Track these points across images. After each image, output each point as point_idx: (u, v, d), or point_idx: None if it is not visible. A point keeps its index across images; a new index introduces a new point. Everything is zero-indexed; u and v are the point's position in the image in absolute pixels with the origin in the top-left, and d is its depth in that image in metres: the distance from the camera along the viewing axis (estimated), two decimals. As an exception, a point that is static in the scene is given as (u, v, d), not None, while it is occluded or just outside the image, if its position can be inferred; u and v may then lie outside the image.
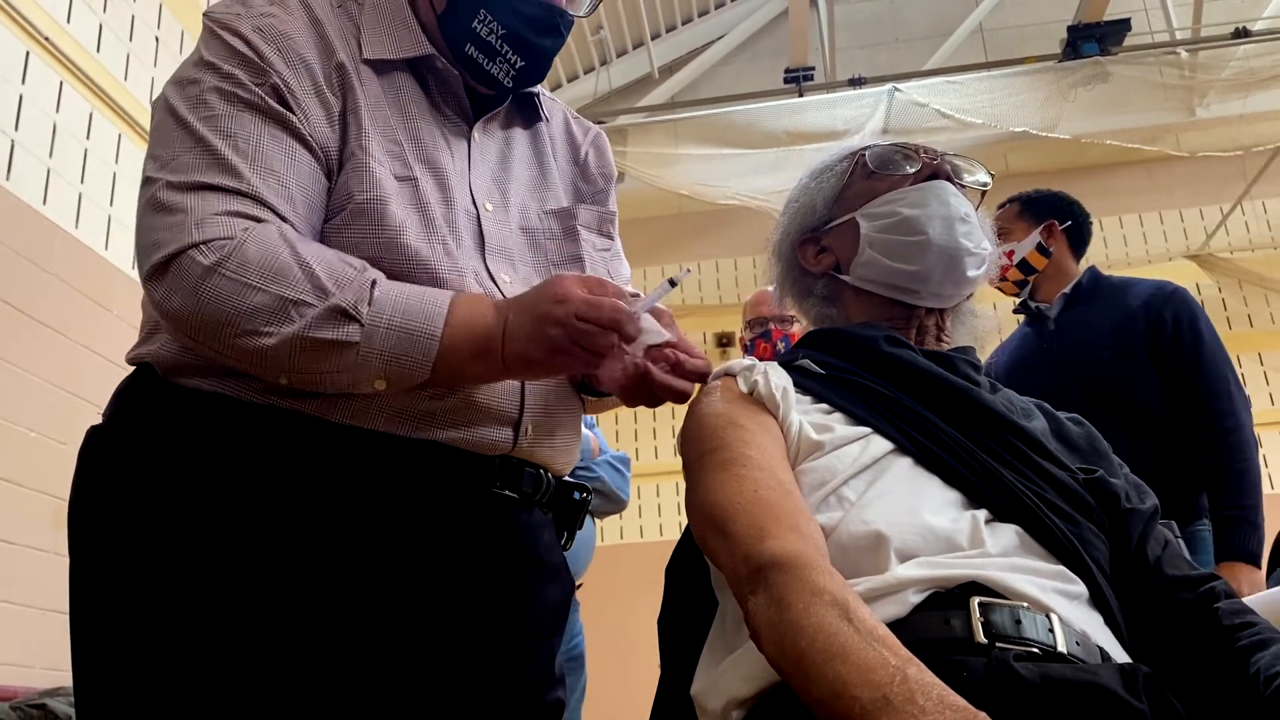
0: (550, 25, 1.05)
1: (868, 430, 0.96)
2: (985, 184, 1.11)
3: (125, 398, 0.97)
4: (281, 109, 0.94)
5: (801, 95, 5.37)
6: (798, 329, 2.54)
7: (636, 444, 6.40)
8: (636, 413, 6.17)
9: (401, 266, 0.93)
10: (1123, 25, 4.85)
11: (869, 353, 1.02)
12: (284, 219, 0.90)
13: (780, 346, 2.46)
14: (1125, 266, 6.42)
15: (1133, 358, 2.10)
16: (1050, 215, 2.32)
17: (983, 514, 0.90)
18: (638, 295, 1.13)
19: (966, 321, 1.11)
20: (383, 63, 1.03)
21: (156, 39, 3.74)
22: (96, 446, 0.95)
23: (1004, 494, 0.91)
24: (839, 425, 0.96)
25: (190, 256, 0.85)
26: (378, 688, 0.89)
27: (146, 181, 0.92)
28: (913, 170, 1.07)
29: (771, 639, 0.73)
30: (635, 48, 6.43)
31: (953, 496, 0.91)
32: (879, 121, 4.83)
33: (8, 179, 2.99)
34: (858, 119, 4.88)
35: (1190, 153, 5.06)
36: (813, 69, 5.54)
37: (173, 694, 0.84)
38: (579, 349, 0.85)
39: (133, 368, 0.99)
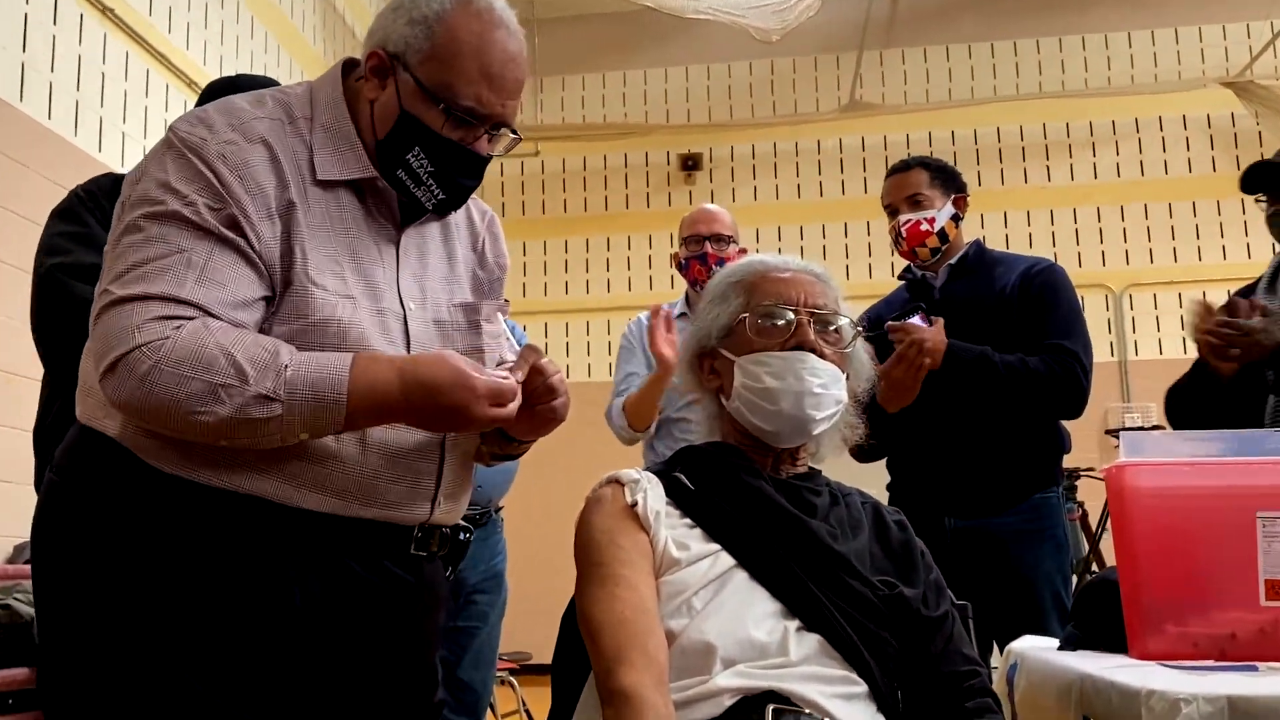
0: (473, 169, 1.22)
1: (717, 548, 1.22)
2: (846, 328, 1.31)
3: (84, 463, 1.15)
4: (234, 235, 1.11)
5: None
6: (733, 250, 2.58)
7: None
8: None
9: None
10: None
11: (730, 477, 1.27)
12: (212, 315, 1.08)
13: (715, 269, 2.34)
14: (1152, 93, 6.12)
15: (1002, 335, 2.23)
16: (955, 188, 2.39)
17: (794, 624, 1.18)
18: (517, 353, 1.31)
19: (832, 435, 1.34)
20: (331, 182, 1.19)
21: None
22: (61, 510, 1.15)
23: (813, 608, 1.18)
24: (695, 543, 1.23)
25: (135, 356, 1.05)
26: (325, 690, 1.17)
27: (102, 293, 1.10)
28: (782, 336, 1.28)
29: None
30: None
31: (775, 608, 1.19)
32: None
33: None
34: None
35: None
36: None
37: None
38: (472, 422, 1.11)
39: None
